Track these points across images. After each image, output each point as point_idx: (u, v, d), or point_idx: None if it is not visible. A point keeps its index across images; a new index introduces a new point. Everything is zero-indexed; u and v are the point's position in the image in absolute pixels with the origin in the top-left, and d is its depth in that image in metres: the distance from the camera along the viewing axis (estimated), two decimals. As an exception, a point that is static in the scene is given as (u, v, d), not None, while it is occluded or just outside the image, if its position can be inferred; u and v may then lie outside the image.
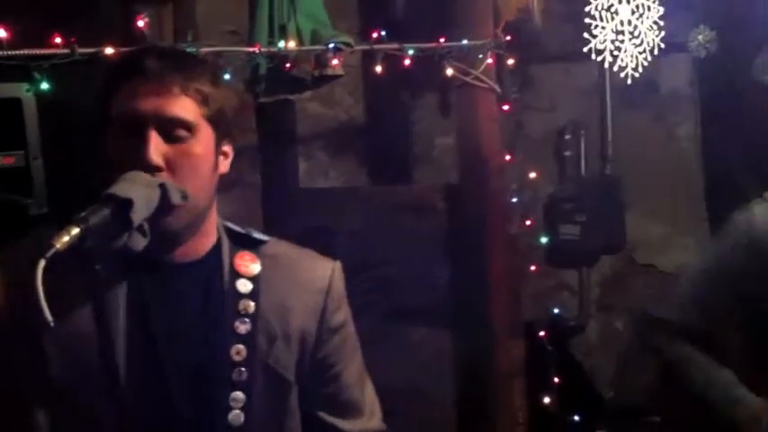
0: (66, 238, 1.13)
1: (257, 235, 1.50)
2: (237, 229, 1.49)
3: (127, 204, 1.22)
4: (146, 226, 1.28)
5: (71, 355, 1.34)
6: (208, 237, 1.44)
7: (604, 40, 2.96)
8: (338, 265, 1.54)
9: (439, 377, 3.24)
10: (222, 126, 1.39)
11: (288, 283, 1.47)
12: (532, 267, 3.53)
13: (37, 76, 1.90)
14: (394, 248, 3.18)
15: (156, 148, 1.30)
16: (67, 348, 1.34)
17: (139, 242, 1.28)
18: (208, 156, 1.37)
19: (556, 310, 3.75)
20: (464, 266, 3.11)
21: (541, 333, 3.52)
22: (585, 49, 2.99)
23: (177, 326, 1.39)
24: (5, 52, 1.85)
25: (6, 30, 1.85)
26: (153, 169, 1.29)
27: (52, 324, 1.06)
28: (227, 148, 1.44)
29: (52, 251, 1.11)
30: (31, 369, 1.36)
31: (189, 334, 1.40)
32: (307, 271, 1.51)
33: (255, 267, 1.45)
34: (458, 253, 3.13)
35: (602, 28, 2.97)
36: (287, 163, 3.59)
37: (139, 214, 1.24)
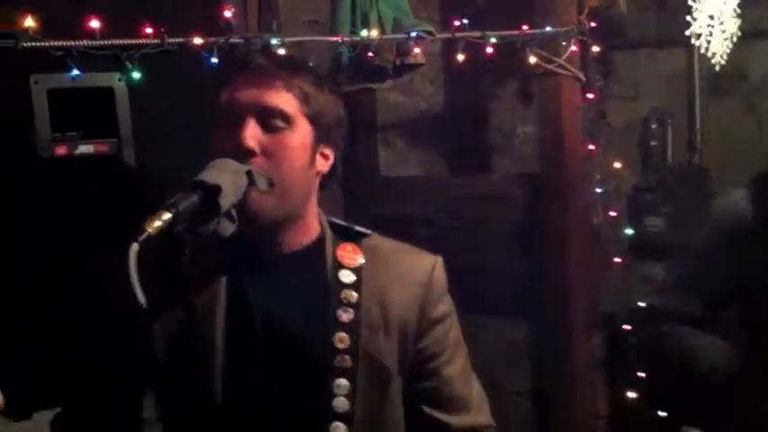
0: (157, 223, 1.16)
1: (360, 228, 1.53)
2: (341, 222, 1.53)
3: (215, 190, 1.24)
4: (234, 212, 1.31)
5: (174, 339, 1.38)
6: (309, 229, 1.49)
7: (701, 26, 2.86)
8: (440, 260, 1.54)
9: (516, 369, 3.21)
10: (323, 128, 1.44)
11: (389, 276, 1.49)
12: (616, 259, 3.45)
13: (128, 65, 1.96)
14: (472, 238, 3.16)
15: (252, 134, 1.35)
16: (172, 334, 1.38)
17: (228, 228, 1.31)
18: (304, 150, 1.41)
19: (640, 303, 3.67)
20: (544, 258, 3.07)
21: (625, 327, 3.45)
22: (688, 33, 2.89)
23: (279, 314, 1.42)
24: (98, 42, 1.90)
25: (99, 20, 1.90)
26: (247, 154, 1.34)
27: (145, 306, 1.09)
28: (327, 151, 1.48)
29: (144, 235, 1.14)
30: (140, 352, 1.42)
31: (290, 322, 1.42)
32: (408, 264, 1.52)
33: (358, 259, 1.48)
34: (538, 244, 3.10)
35: (700, 12, 2.86)
36: (367, 151, 3.61)
37: (227, 200, 1.26)
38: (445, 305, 1.53)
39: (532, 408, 3.30)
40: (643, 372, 3.41)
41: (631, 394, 3.28)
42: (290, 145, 1.39)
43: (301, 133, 1.40)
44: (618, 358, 3.41)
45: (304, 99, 1.40)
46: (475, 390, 1.58)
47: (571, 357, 3.03)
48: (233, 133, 1.36)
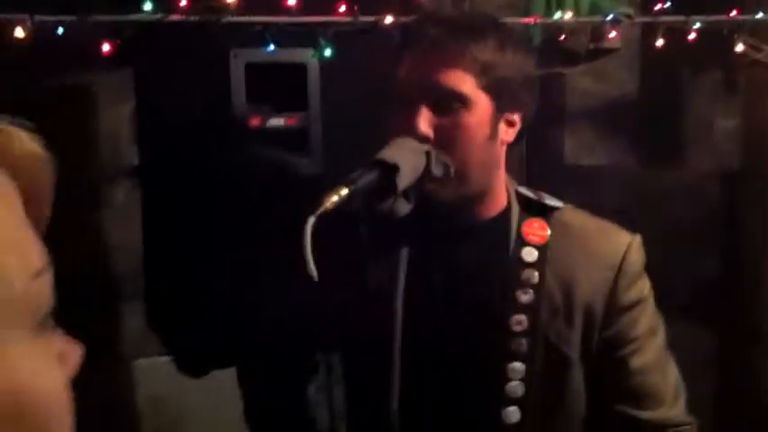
0: (334, 198, 1.18)
1: (550, 201, 1.44)
2: (530, 194, 1.44)
3: (393, 169, 1.24)
4: (411, 193, 1.30)
5: (352, 311, 1.39)
6: (495, 201, 1.42)
7: None
8: (637, 238, 1.42)
9: (697, 382, 3.04)
10: (505, 95, 1.33)
11: (577, 255, 1.38)
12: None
13: (322, 42, 2.00)
14: (662, 237, 3.01)
15: (427, 120, 1.30)
16: (351, 305, 1.39)
17: (403, 207, 1.30)
18: (482, 127, 1.33)
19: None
20: (739, 259, 2.88)
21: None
22: None
23: (457, 290, 1.38)
24: (294, 19, 1.96)
25: (295, -2, 1.96)
26: (422, 140, 1.30)
27: (316, 279, 1.11)
28: (514, 116, 1.38)
29: (321, 210, 1.16)
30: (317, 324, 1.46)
31: (469, 300, 1.38)
32: (599, 243, 1.40)
33: (544, 236, 1.39)
34: (733, 246, 2.90)
35: None
36: (553, 137, 3.51)
37: (405, 180, 1.25)
38: (638, 290, 1.40)
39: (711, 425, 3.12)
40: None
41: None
42: (466, 125, 1.31)
43: (479, 110, 1.31)
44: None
45: (482, 71, 1.30)
46: (672, 381, 1.44)
47: (762, 375, 2.83)
48: (407, 117, 1.31)
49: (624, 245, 1.40)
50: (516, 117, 1.38)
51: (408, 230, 1.40)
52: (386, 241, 1.41)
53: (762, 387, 2.87)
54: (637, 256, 1.40)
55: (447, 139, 1.31)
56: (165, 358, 2.15)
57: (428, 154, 1.30)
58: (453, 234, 1.41)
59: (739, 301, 2.88)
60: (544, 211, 1.42)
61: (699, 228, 2.99)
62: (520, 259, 1.38)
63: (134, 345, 2.51)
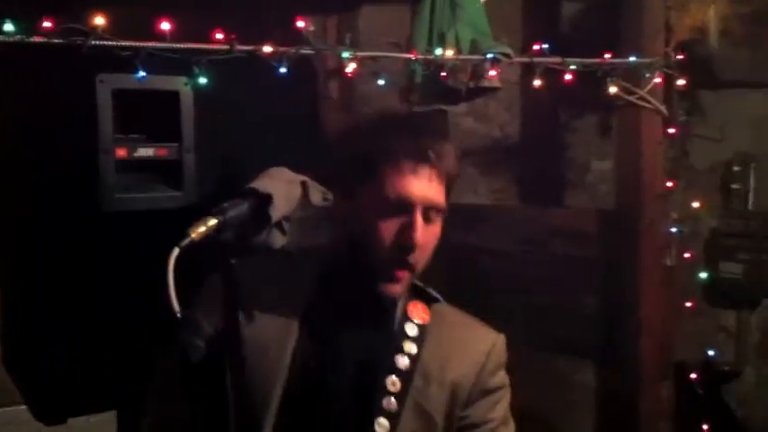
0: (201, 229, 1.14)
1: (432, 292, 1.57)
2: (417, 282, 1.54)
3: (266, 200, 1.20)
4: (285, 224, 1.26)
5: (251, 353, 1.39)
6: None
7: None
8: (502, 337, 1.56)
9: (581, 412, 3.08)
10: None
11: (451, 341, 1.51)
12: (688, 304, 3.30)
13: (196, 70, 1.93)
14: (541, 273, 3.05)
15: (420, 229, 1.39)
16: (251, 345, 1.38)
17: (278, 240, 1.27)
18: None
19: (710, 352, 3.49)
20: (615, 297, 2.94)
21: (693, 375, 3.28)
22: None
23: (345, 344, 1.45)
24: (168, 45, 1.88)
25: (170, 23, 1.88)
26: (414, 248, 1.38)
27: (179, 315, 1.04)
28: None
29: (187, 241, 1.11)
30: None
31: (353, 355, 1.45)
32: (471, 332, 1.55)
33: (425, 318, 1.51)
34: (609, 283, 2.97)
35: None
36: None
37: (279, 211, 1.22)
38: (500, 379, 1.54)
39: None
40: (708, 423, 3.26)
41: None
42: (438, 231, 1.44)
43: (442, 215, 1.44)
44: (686, 409, 3.24)
45: (449, 182, 1.44)
46: None
47: (640, 406, 2.89)
48: (401, 224, 1.38)
49: (492, 339, 1.55)
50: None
51: (306, 292, 1.45)
52: (280, 296, 1.44)
53: (638, 422, 2.92)
54: (501, 351, 1.55)
55: (425, 245, 1.41)
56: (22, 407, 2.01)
57: (304, 184, 1.28)
58: (354, 299, 1.46)
59: (616, 336, 2.93)
60: (426, 299, 1.55)
61: (578, 264, 3.04)
62: (403, 331, 1.49)
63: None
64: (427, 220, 1.41)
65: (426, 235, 1.41)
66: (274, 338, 1.42)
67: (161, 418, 1.48)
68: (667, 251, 3.07)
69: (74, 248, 2.01)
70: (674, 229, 3.11)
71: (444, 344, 1.50)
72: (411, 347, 1.47)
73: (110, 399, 1.94)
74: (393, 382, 1.44)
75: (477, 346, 1.52)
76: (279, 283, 1.45)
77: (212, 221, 1.14)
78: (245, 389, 1.37)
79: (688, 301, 3.33)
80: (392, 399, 1.43)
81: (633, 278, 2.89)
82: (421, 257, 1.41)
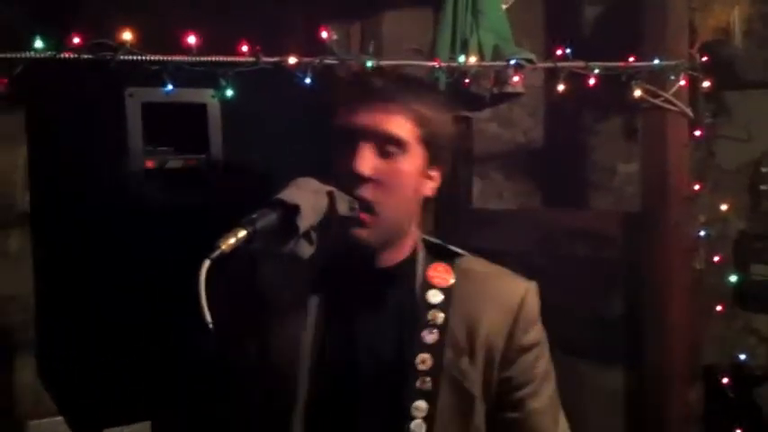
0: (232, 240, 1.15)
1: (454, 248, 1.51)
2: (434, 240, 1.51)
3: (294, 210, 1.21)
4: (313, 234, 1.27)
5: (266, 349, 1.39)
6: (405, 248, 1.46)
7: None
8: (533, 285, 1.49)
9: (606, 419, 3.06)
10: (434, 149, 1.42)
11: (479, 298, 1.45)
12: (718, 308, 3.27)
13: (222, 82, 1.96)
14: (566, 276, 3.04)
15: (366, 160, 1.35)
16: (263, 343, 1.39)
17: (306, 249, 1.27)
18: (414, 175, 1.40)
19: (741, 356, 3.46)
20: (641, 301, 2.93)
21: (724, 380, 3.25)
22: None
23: (365, 330, 1.41)
24: (194, 58, 1.91)
25: (196, 36, 1.91)
26: (360, 180, 1.34)
27: (211, 326, 1.06)
28: (434, 172, 1.45)
29: (218, 252, 1.12)
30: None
31: (376, 339, 1.41)
32: (499, 288, 1.48)
33: (448, 279, 1.45)
34: (635, 286, 2.95)
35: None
36: (462, 182, 3.54)
37: (306, 221, 1.24)
38: (535, 333, 1.47)
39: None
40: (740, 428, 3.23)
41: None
42: (402, 171, 1.38)
43: (414, 158, 1.39)
44: (716, 413, 3.22)
45: (419, 122, 1.38)
46: (561, 428, 1.51)
47: (667, 410, 2.86)
48: (347, 157, 1.35)
49: (522, 290, 1.47)
50: (437, 173, 1.46)
51: (317, 275, 1.42)
52: (292, 286, 1.42)
53: (667, 427, 2.90)
54: (534, 302, 1.48)
55: (384, 182, 1.36)
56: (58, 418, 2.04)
57: (330, 194, 1.29)
58: (364, 278, 1.43)
59: (641, 340, 2.92)
60: (448, 257, 1.49)
61: (602, 267, 3.04)
62: (425, 301, 1.43)
63: (26, 403, 2.38)
64: (385, 154, 1.36)
65: (384, 170, 1.36)
66: (292, 336, 1.39)
67: None
68: (696, 254, 3.05)
69: (106, 256, 2.03)
70: (702, 232, 3.09)
71: (472, 304, 1.44)
72: (437, 317, 1.42)
73: (144, 409, 1.97)
74: (423, 359, 1.39)
75: (505, 303, 1.45)
76: (295, 284, 1.42)
77: (242, 233, 1.15)
78: (267, 393, 1.38)
79: (718, 304, 3.31)
80: (427, 378, 1.39)
81: (659, 282, 2.87)
82: (381, 196, 1.35)
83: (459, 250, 1.50)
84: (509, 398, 1.45)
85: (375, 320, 1.41)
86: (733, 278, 3.41)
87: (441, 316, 1.42)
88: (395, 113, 1.37)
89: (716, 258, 3.23)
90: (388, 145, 1.36)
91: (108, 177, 1.95)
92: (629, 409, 3.05)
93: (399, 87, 1.40)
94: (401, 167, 1.37)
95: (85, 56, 1.84)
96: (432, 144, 1.41)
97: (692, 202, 2.99)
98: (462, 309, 1.43)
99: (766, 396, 3.60)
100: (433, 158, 1.42)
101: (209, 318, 1.05)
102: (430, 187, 1.45)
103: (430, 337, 1.40)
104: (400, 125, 1.37)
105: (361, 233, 1.35)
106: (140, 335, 1.98)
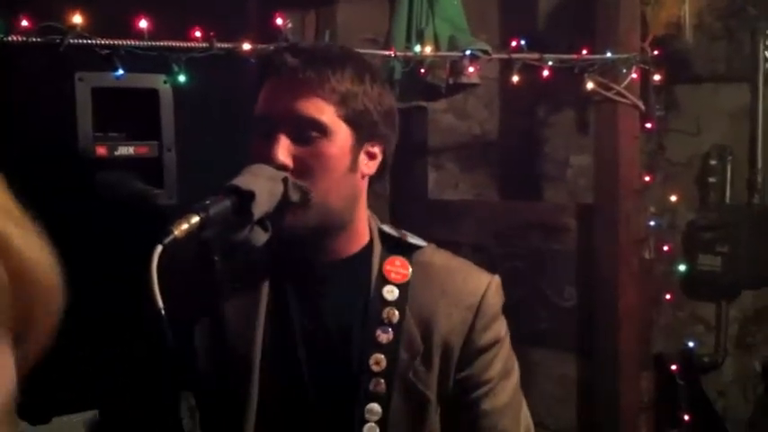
0: (185, 226, 1.11)
1: (413, 240, 1.43)
2: (392, 232, 1.42)
3: (248, 196, 1.18)
4: (267, 221, 1.25)
5: (211, 345, 1.31)
6: (357, 237, 1.39)
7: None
8: (496, 279, 1.42)
9: (561, 404, 3.10)
10: (365, 126, 1.32)
11: (437, 294, 1.37)
12: (667, 297, 3.33)
13: (175, 68, 1.93)
14: (521, 266, 3.07)
15: (285, 148, 1.27)
16: (209, 338, 1.31)
17: (260, 237, 1.25)
18: (342, 158, 1.31)
19: (690, 344, 3.53)
20: (593, 290, 2.97)
21: (673, 367, 3.32)
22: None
23: (317, 327, 1.35)
24: (146, 43, 1.88)
25: (148, 21, 1.88)
26: (280, 169, 1.26)
27: (162, 313, 1.03)
28: (374, 148, 1.36)
29: (170, 238, 1.09)
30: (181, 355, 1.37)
31: (328, 337, 1.35)
32: (459, 283, 1.39)
33: (406, 274, 1.38)
34: (588, 276, 3.00)
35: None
36: (417, 173, 3.55)
37: (261, 208, 1.20)
38: (495, 331, 1.39)
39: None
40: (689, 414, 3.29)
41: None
42: (326, 154, 1.29)
43: (339, 139, 1.30)
44: (666, 400, 3.28)
45: (341, 100, 1.29)
46: (523, 424, 1.44)
47: (619, 397, 2.91)
48: (266, 146, 1.28)
49: (483, 285, 1.39)
50: (377, 150, 1.37)
51: (268, 266, 1.37)
52: (244, 276, 1.36)
53: (619, 414, 2.94)
54: (495, 298, 1.40)
55: (307, 169, 1.28)
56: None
57: (285, 180, 1.26)
58: (315, 271, 1.37)
59: (594, 328, 2.96)
60: (406, 250, 1.41)
61: (556, 257, 3.07)
62: (381, 297, 1.36)
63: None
64: (305, 140, 1.27)
65: (305, 156, 1.27)
66: (241, 335, 1.32)
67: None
68: (645, 244, 3.10)
69: (53, 243, 1.99)
70: (651, 223, 3.14)
71: (429, 301, 1.36)
72: (392, 315, 1.34)
73: (93, 398, 1.94)
74: (377, 360, 1.32)
75: (465, 300, 1.36)
76: (248, 272, 1.36)
77: (195, 218, 1.11)
78: (220, 391, 1.31)
79: (667, 293, 3.37)
80: (380, 380, 1.32)
81: (611, 271, 2.92)
82: (307, 183, 1.27)
83: (420, 242, 1.43)
84: (466, 398, 1.38)
85: (324, 317, 1.35)
86: (681, 267, 3.47)
87: (396, 314, 1.34)
88: (311, 96, 1.27)
89: (665, 248, 3.28)
90: (306, 130, 1.28)
91: (57, 163, 1.90)
92: (582, 397, 3.10)
93: (315, 63, 1.28)
94: (325, 151, 1.28)
95: (34, 39, 1.80)
96: (360, 122, 1.31)
97: (643, 193, 3.04)
98: (419, 306, 1.36)
99: (714, 383, 3.68)
100: (368, 135, 1.33)
101: (160, 304, 1.03)
102: (371, 165, 1.36)
103: (384, 336, 1.33)
104: (318, 108, 1.27)
105: (292, 220, 1.27)
106: (89, 323, 1.95)
